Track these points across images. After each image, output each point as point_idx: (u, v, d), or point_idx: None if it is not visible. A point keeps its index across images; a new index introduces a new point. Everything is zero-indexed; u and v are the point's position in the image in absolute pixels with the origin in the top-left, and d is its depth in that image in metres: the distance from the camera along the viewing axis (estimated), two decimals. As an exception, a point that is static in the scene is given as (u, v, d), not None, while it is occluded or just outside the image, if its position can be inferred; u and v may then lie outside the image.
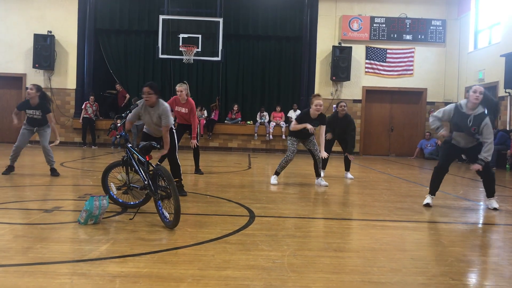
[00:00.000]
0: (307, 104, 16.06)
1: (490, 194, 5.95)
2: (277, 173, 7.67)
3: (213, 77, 16.99)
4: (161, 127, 5.54)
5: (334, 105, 8.93)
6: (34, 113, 7.62)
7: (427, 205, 5.91)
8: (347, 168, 9.03)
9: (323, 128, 7.47)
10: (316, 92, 15.50)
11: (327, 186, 7.53)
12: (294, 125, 7.47)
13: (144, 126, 5.85)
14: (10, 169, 7.72)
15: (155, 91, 5.31)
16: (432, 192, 6.01)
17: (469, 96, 5.61)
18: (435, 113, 5.97)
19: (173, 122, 5.92)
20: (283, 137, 15.80)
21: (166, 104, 5.53)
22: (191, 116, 8.02)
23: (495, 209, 5.81)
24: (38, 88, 7.71)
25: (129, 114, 5.42)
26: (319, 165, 7.63)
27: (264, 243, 3.82)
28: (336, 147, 9.51)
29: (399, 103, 16.49)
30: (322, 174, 7.82)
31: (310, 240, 4.02)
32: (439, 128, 5.86)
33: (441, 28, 16.18)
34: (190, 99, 8.06)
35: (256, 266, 3.23)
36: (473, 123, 5.55)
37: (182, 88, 7.92)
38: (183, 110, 8.05)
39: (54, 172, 7.77)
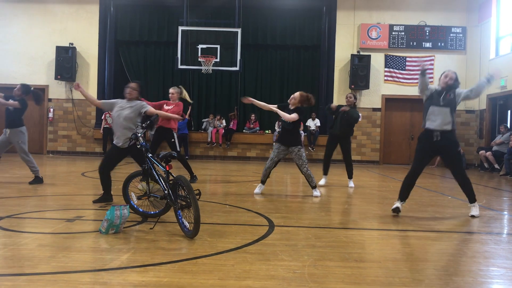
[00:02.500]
0: (325, 113, 16.05)
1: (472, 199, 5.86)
2: (262, 182, 7.46)
3: (231, 86, 17.09)
4: (126, 124, 5.75)
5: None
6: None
7: (397, 209, 5.77)
8: (350, 176, 8.85)
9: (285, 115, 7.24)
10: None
11: (317, 196, 7.24)
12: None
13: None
14: None
15: (139, 90, 5.96)
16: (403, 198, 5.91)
17: (440, 81, 5.82)
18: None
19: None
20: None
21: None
22: (175, 109, 8.31)
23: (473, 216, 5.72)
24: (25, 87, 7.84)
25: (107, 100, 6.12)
26: (308, 179, 7.26)
27: (284, 253, 3.80)
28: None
29: (419, 111, 16.28)
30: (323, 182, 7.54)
31: (331, 250, 3.98)
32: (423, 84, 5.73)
33: (461, 35, 16.01)
34: (180, 102, 8.60)
35: (276, 276, 3.21)
36: (446, 93, 5.69)
37: (174, 91, 8.54)
38: (171, 107, 8.33)
39: (34, 180, 7.75)
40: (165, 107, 8.32)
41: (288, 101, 7.43)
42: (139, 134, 5.13)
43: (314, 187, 7.30)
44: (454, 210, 6.36)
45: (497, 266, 3.69)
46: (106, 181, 5.93)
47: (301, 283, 3.07)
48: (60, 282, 2.98)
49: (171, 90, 8.61)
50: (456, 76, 5.79)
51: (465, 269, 3.57)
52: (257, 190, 7.41)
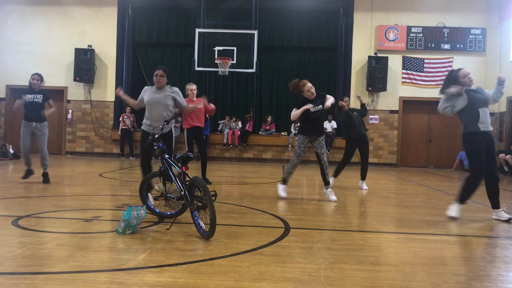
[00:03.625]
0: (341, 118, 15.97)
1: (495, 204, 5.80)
2: (284, 181, 7.14)
3: (247, 88, 17.11)
4: (166, 106, 5.99)
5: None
6: (34, 96, 7.89)
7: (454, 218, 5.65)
8: (363, 177, 8.80)
9: (330, 98, 6.86)
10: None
11: (335, 201, 6.89)
12: (294, 112, 6.83)
13: (144, 122, 6.12)
14: (29, 173, 8.09)
15: (167, 75, 6.09)
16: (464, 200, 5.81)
17: (464, 82, 5.79)
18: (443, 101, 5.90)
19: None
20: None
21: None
22: (207, 107, 8.50)
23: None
24: (42, 77, 8.16)
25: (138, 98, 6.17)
26: (326, 171, 6.91)
27: (299, 255, 3.79)
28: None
29: (437, 114, 15.89)
30: (330, 184, 7.20)
31: (347, 253, 3.95)
32: (447, 107, 5.75)
33: (480, 36, 15.78)
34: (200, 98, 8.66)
35: (292, 278, 3.20)
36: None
37: (195, 87, 8.49)
38: (199, 105, 8.25)
39: (45, 177, 8.02)
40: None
41: (311, 94, 6.86)
42: (156, 136, 5.17)
43: (328, 183, 7.04)
44: (473, 214, 6.27)
45: (517, 271, 3.62)
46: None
47: (317, 286, 3.06)
48: (78, 281, 3.01)
49: (192, 87, 8.42)
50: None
51: (484, 274, 3.51)
52: (283, 194, 7.07)
